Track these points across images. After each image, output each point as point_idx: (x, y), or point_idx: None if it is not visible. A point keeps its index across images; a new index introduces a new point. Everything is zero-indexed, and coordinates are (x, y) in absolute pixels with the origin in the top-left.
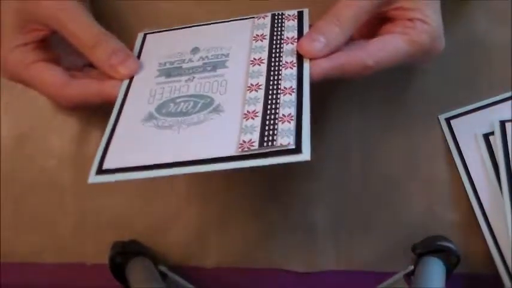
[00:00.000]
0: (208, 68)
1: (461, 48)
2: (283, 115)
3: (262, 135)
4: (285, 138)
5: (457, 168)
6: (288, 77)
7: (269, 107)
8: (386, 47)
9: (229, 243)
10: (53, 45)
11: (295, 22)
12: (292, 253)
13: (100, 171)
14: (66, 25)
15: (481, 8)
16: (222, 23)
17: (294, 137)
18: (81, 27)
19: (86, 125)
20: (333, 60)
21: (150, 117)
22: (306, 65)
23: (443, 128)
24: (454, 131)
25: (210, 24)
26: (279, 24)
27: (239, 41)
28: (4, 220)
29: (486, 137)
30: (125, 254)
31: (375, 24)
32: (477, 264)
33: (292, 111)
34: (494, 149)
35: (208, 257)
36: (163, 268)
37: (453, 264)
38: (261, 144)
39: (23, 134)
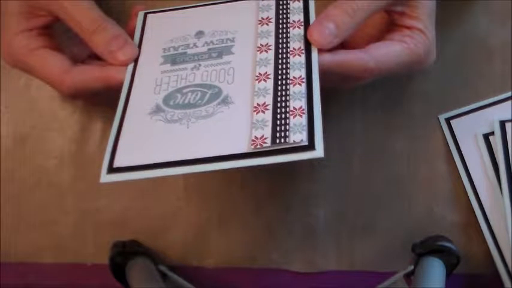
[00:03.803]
0: (214, 55)
1: (461, 48)
2: (294, 108)
3: (274, 131)
4: (297, 134)
5: (457, 168)
6: (296, 66)
7: (279, 99)
8: (388, 51)
9: (229, 243)
10: (56, 36)
11: (301, 3)
12: (292, 253)
13: (111, 169)
14: (67, 10)
15: (481, 8)
16: (226, 3)
17: (306, 132)
18: (82, 13)
19: (86, 124)
20: (336, 56)
21: (157, 109)
22: (314, 54)
23: (443, 128)
24: (454, 131)
25: (213, 4)
26: (284, 6)
27: (244, 24)
28: (4, 220)
29: (486, 137)
30: (125, 254)
31: (369, 34)
32: (477, 264)
33: (303, 103)
34: (494, 149)
35: (208, 256)
36: (163, 268)
37: (453, 265)
38: (273, 140)
39: (23, 134)
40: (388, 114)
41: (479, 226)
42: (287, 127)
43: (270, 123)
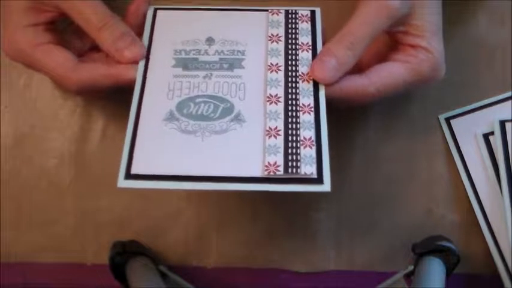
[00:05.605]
0: (225, 66)
1: (462, 48)
2: (304, 138)
3: (286, 159)
4: (308, 166)
5: (457, 168)
6: (305, 92)
7: (290, 125)
8: (388, 74)
9: (229, 243)
10: (59, 31)
11: (309, 25)
12: (292, 253)
13: (129, 175)
14: (75, 6)
15: (481, 8)
16: (235, 11)
17: (316, 165)
18: (90, 9)
19: (86, 124)
20: (339, 84)
21: (171, 117)
22: (322, 86)
23: (443, 128)
24: (454, 131)
25: (222, 10)
26: (293, 26)
27: (254, 38)
28: (4, 220)
29: (486, 136)
30: (125, 254)
31: (379, 50)
32: (477, 264)
33: (312, 134)
34: (494, 149)
35: (208, 257)
36: (163, 268)
37: (453, 264)
38: (285, 170)
39: (23, 134)
40: (388, 114)
41: (479, 226)
42: (298, 157)
43: (282, 150)
